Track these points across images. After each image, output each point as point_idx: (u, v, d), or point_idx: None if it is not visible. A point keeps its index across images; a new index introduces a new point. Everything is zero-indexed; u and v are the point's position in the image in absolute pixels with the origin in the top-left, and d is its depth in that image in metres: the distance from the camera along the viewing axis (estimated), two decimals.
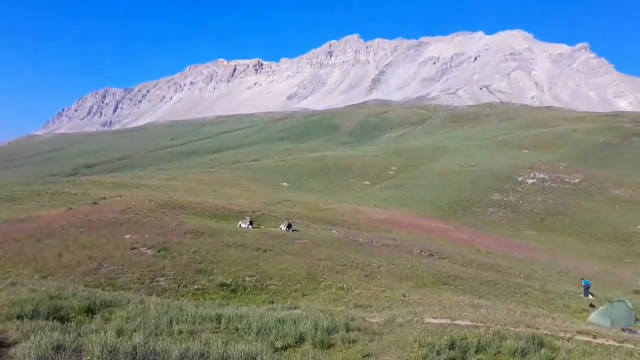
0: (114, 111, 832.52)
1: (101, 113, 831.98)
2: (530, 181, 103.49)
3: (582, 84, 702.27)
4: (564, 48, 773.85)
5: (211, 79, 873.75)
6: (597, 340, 14.07)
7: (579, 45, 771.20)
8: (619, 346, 13.68)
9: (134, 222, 33.90)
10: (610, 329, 19.74)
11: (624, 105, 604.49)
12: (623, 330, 21.10)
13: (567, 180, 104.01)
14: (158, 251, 26.24)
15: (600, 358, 12.12)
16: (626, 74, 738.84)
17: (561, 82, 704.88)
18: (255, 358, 9.92)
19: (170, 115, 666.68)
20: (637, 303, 30.96)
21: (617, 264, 64.86)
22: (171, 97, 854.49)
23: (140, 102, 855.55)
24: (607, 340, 14.18)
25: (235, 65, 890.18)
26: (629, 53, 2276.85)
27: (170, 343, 10.32)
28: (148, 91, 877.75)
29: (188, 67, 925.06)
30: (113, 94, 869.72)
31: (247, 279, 23.45)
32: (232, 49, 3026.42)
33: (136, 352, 9.58)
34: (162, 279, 22.23)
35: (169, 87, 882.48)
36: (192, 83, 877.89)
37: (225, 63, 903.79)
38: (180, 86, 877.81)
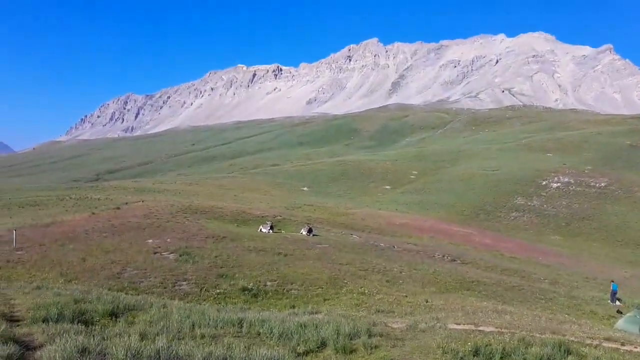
0: (136, 117, 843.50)
1: (123, 119, 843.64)
2: (554, 185, 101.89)
3: (606, 86, 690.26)
4: (587, 50, 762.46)
5: (231, 84, 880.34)
6: (625, 348, 13.73)
7: (603, 47, 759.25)
8: None
9: (156, 226, 34.20)
10: (639, 335, 19.25)
11: None
12: None
13: (592, 184, 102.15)
14: (180, 255, 26.42)
15: None
16: None
17: (585, 85, 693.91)
18: None
19: (191, 121, 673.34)
20: None
21: None
22: (191, 103, 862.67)
23: (161, 108, 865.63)
24: (635, 348, 13.83)
25: (255, 71, 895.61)
26: None
27: (192, 347, 10.34)
28: (169, 97, 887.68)
29: (208, 73, 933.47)
30: (135, 100, 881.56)
31: (269, 283, 23.45)
32: (251, 54, 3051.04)
33: (159, 356, 9.61)
34: (185, 283, 22.36)
35: (190, 93, 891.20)
36: (212, 89, 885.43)
37: (244, 69, 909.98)
38: (201, 92, 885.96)
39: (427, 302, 22.85)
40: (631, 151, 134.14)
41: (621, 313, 28.03)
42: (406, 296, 23.86)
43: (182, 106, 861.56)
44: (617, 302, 32.54)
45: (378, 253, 36.63)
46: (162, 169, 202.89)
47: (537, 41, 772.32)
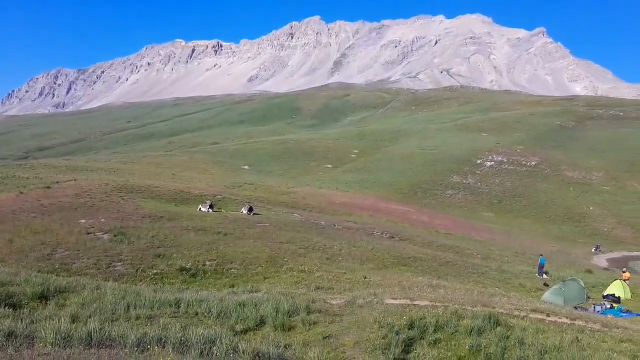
0: (67, 92, 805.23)
1: (54, 94, 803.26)
2: (488, 164, 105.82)
3: (539, 68, 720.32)
4: (522, 32, 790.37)
5: (169, 59, 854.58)
6: (550, 318, 14.52)
7: (537, 30, 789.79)
8: (571, 323, 14.15)
9: (89, 206, 32.97)
10: (563, 307, 20.42)
11: (579, 89, 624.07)
12: (575, 308, 21.90)
13: (524, 162, 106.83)
14: (115, 236, 25.62)
15: (553, 335, 12.50)
16: (581, 59, 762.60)
17: (519, 67, 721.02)
18: (214, 342, 9.81)
19: (127, 97, 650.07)
20: (589, 282, 32.25)
21: (571, 244, 67.36)
22: (127, 79, 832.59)
23: (94, 83, 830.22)
24: (559, 318, 14.64)
25: (194, 46, 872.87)
26: (583, 38, 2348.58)
27: (127, 328, 10.11)
28: (103, 72, 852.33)
29: (145, 48, 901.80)
30: (66, 75, 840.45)
31: (208, 263, 23.19)
32: (190, 29, 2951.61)
33: (91, 338, 9.36)
34: (119, 264, 21.75)
35: (125, 68, 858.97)
36: (149, 64, 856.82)
37: (183, 44, 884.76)
38: (137, 67, 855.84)
39: (365, 278, 23.30)
40: (561, 131, 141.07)
41: (547, 286, 29.57)
42: (345, 273, 24.23)
43: (117, 81, 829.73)
44: (544, 276, 34.34)
45: (318, 231, 36.95)
46: (95, 146, 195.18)
47: (475, 23, 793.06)
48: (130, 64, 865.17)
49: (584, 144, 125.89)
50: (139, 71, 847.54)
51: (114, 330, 9.85)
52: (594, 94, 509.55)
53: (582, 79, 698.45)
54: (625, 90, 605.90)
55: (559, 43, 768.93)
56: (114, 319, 11.64)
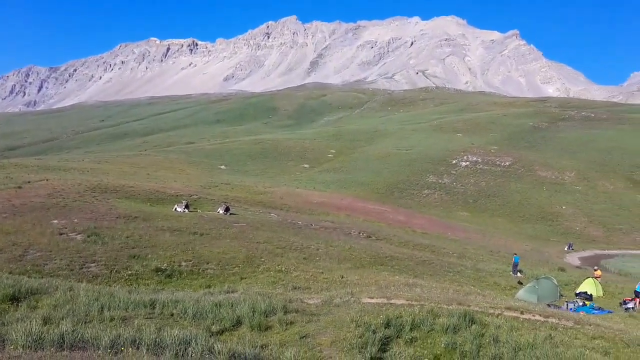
0: (39, 91, 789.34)
1: (24, 92, 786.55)
2: (463, 164, 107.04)
3: (512, 70, 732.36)
4: (495, 35, 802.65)
5: (143, 58, 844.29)
6: (524, 316, 14.76)
7: (510, 32, 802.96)
8: (544, 321, 14.41)
9: (62, 206, 32.33)
10: (537, 304, 20.75)
11: (551, 91, 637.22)
12: (549, 305, 22.30)
13: (498, 163, 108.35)
14: (88, 236, 25.15)
15: (527, 333, 12.71)
16: (554, 61, 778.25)
17: (493, 68, 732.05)
18: (189, 343, 9.72)
19: (100, 96, 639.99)
20: (562, 280, 32.87)
21: (544, 243, 68.58)
22: (100, 77, 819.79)
23: (67, 81, 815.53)
24: (533, 316, 14.89)
25: (169, 45, 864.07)
26: (556, 41, 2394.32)
27: (100, 330, 9.97)
28: (75, 70, 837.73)
29: (118, 46, 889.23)
30: (37, 73, 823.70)
31: (183, 263, 22.94)
32: (165, 27, 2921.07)
33: (63, 340, 9.20)
34: (93, 265, 21.37)
35: (98, 66, 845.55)
36: (122, 62, 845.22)
37: (158, 42, 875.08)
38: (110, 65, 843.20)
39: (342, 277, 23.35)
40: (534, 132, 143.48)
41: (521, 284, 30.02)
42: (322, 272, 24.24)
43: (90, 80, 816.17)
44: (518, 274, 34.86)
45: (295, 231, 36.88)
46: (68, 146, 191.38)
47: (450, 25, 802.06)
48: (104, 62, 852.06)
49: (557, 145, 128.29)
50: (112, 70, 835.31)
51: (87, 332, 9.70)
52: (566, 96, 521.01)
53: (554, 81, 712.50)
54: (596, 92, 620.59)
55: (532, 45, 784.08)
56: (87, 320, 11.45)
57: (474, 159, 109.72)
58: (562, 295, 27.30)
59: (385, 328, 12.33)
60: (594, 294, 28.01)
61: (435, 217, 77.49)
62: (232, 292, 17.25)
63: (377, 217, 64.70)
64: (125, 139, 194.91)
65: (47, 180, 43.91)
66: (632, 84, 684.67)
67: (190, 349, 9.47)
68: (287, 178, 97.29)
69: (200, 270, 22.46)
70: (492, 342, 11.89)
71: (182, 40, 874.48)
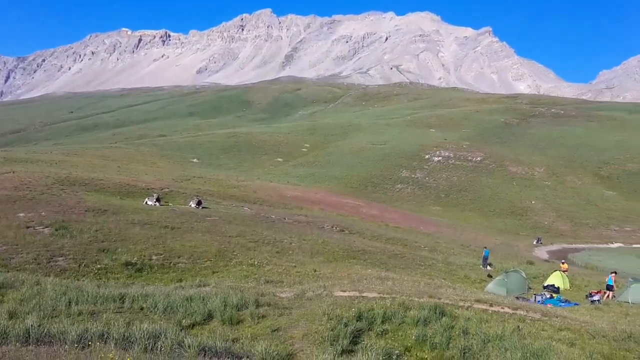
0: (5, 81, 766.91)
1: None
2: (436, 159, 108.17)
3: (485, 66, 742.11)
4: (469, 31, 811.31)
5: (114, 49, 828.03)
6: (493, 308, 15.02)
7: (483, 29, 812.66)
8: (513, 313, 14.69)
9: (29, 199, 31.58)
10: (506, 297, 21.17)
11: (522, 87, 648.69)
12: (517, 298, 22.72)
13: (470, 158, 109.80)
14: (56, 230, 24.63)
15: (496, 325, 12.94)
16: (525, 58, 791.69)
17: (466, 65, 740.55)
18: (159, 337, 9.62)
19: (69, 87, 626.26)
20: (530, 273, 33.54)
21: (514, 237, 69.90)
22: (70, 68, 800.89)
23: (35, 71, 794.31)
24: (502, 308, 15.17)
25: (141, 36, 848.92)
26: (527, 38, 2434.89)
27: (67, 324, 9.79)
28: (44, 60, 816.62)
29: (89, 36, 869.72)
30: (4, 63, 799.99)
31: (154, 257, 22.66)
32: (137, 18, 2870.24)
33: (29, 335, 9.02)
34: (61, 258, 20.94)
35: (67, 56, 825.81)
36: (93, 53, 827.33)
37: (129, 33, 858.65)
38: (80, 56, 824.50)
39: (315, 271, 23.39)
40: (505, 128, 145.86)
41: (491, 277, 30.52)
42: (295, 266, 24.25)
43: (59, 70, 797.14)
44: (488, 267, 35.47)
45: (269, 225, 36.78)
46: (36, 137, 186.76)
47: (424, 21, 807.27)
48: (74, 53, 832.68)
49: (527, 141, 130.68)
50: (82, 60, 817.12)
51: (54, 327, 9.52)
52: (536, 93, 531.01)
53: (525, 77, 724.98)
54: (566, 90, 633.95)
55: (504, 42, 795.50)
56: (54, 315, 11.24)
57: (447, 154, 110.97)
58: (530, 288, 27.85)
59: (357, 321, 12.40)
60: (561, 287, 28.65)
61: (408, 211, 78.18)
62: (204, 286, 17.14)
63: (351, 211, 64.97)
64: (95, 131, 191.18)
65: (13, 172, 42.81)
66: (600, 82, 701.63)
67: (159, 343, 9.37)
68: (260, 172, 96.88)
69: (171, 264, 22.23)
70: (461, 334, 12.07)
71: (154, 32, 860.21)
